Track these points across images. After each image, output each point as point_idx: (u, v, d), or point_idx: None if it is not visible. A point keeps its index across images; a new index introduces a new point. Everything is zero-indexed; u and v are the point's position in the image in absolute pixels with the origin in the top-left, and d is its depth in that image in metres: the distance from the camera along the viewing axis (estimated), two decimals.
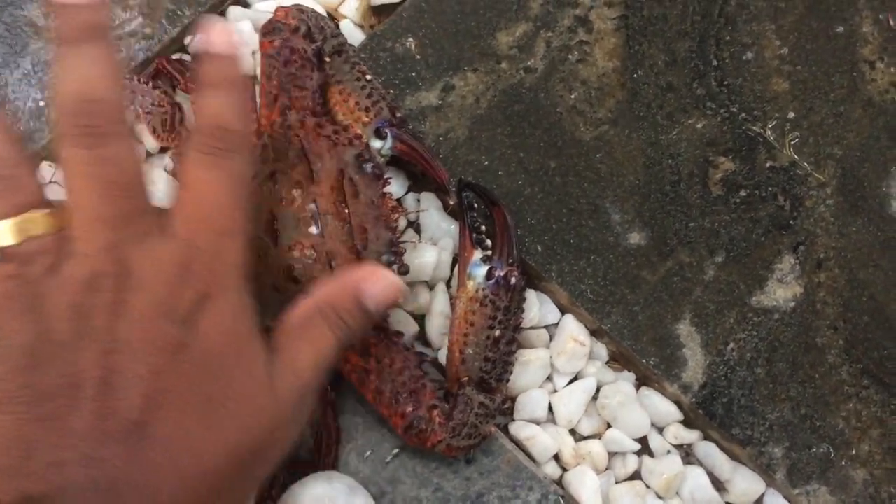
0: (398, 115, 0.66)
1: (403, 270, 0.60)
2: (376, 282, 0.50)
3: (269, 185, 0.59)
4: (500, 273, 0.62)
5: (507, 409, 0.66)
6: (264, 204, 0.58)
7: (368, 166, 0.60)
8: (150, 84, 0.68)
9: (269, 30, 0.64)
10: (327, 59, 0.65)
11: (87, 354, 0.39)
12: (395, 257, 0.60)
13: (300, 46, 0.63)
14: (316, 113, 0.63)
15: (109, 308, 0.40)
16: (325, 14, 0.71)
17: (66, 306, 0.40)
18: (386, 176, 0.61)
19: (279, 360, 0.46)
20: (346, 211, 0.58)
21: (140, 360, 0.40)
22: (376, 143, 0.65)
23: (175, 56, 0.71)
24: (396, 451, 0.62)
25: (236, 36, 0.48)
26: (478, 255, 0.64)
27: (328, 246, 0.57)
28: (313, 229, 0.58)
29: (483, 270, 0.63)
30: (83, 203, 0.42)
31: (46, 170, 0.67)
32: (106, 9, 0.44)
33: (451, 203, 0.67)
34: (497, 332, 0.61)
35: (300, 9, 0.65)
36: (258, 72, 0.69)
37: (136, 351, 0.40)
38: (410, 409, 0.58)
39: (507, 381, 0.63)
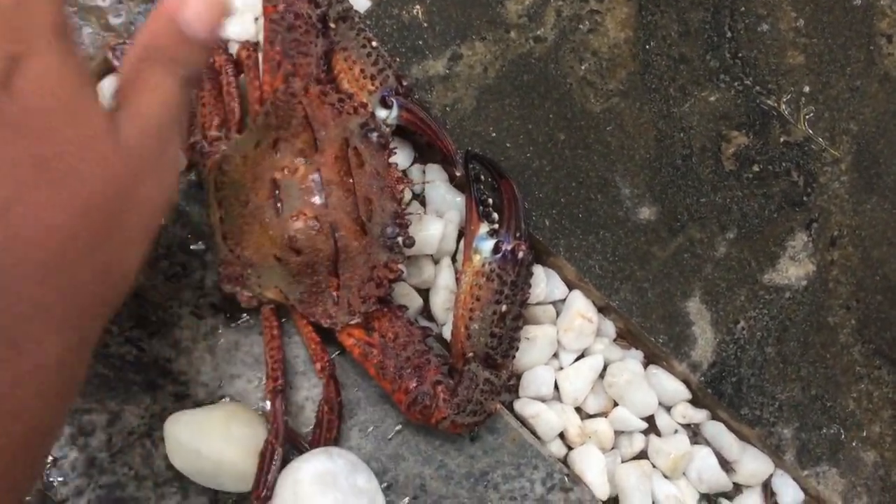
0: (404, 83, 0.64)
1: (409, 243, 0.59)
2: (191, 4, 0.44)
3: (272, 153, 0.57)
4: (507, 247, 0.61)
5: (512, 385, 0.65)
6: (266, 172, 0.57)
7: (374, 135, 0.58)
8: None
9: None
10: (332, 26, 0.63)
11: None
12: (399, 229, 0.58)
13: (304, 11, 0.61)
14: (320, 80, 0.61)
15: None
16: None
17: None
18: (391, 146, 0.60)
19: (121, 111, 0.43)
20: (351, 181, 0.57)
21: None
22: (382, 113, 0.63)
23: None
24: (399, 427, 0.61)
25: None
26: (484, 228, 0.62)
27: (332, 216, 0.56)
28: (317, 199, 0.56)
29: (490, 244, 0.61)
30: None
31: None
32: None
33: (458, 174, 0.65)
34: (503, 308, 0.59)
35: None
36: (261, 38, 0.67)
37: None
38: (414, 384, 0.57)
39: (514, 357, 0.61)
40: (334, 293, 0.58)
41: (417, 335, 0.59)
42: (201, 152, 0.61)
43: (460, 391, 0.57)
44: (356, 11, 0.66)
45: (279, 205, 0.56)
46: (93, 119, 0.41)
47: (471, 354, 0.59)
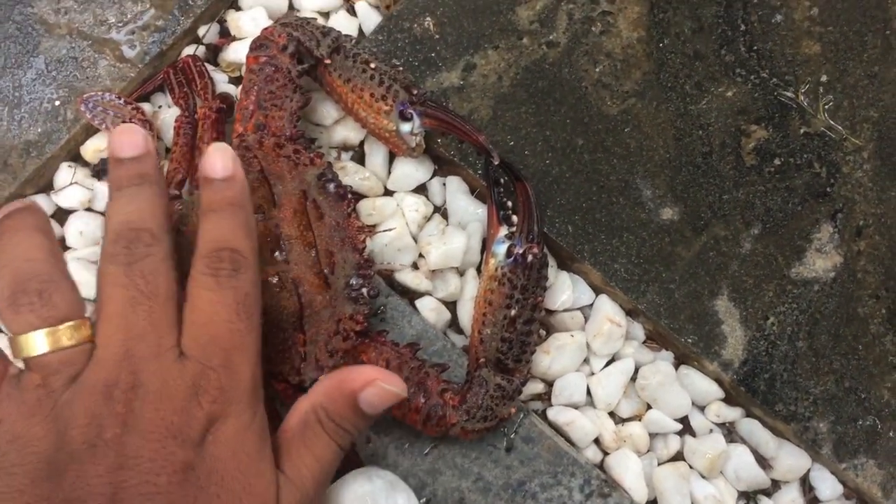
0: (415, 91, 0.63)
1: (373, 293, 0.58)
2: (373, 389, 0.48)
3: None
4: (518, 251, 0.60)
5: (517, 391, 0.63)
6: None
7: (332, 186, 0.58)
8: (124, 100, 0.66)
9: (256, 45, 0.62)
10: (328, 62, 0.63)
11: (98, 469, 0.40)
12: (363, 280, 0.57)
13: (285, 66, 0.62)
14: (292, 137, 0.61)
15: (121, 420, 0.41)
16: (312, 16, 0.69)
17: (82, 415, 0.41)
18: (350, 196, 0.59)
19: (284, 473, 0.46)
20: (311, 235, 0.56)
21: (147, 480, 0.40)
22: (405, 127, 0.63)
23: (190, 51, 0.70)
24: (434, 442, 0.61)
25: (236, 161, 0.48)
26: (503, 231, 0.62)
27: (294, 272, 0.55)
28: (278, 255, 0.55)
29: (504, 248, 0.61)
30: (110, 311, 0.43)
31: (66, 171, 0.66)
32: (151, 159, 0.47)
33: (496, 162, 0.63)
34: (513, 312, 0.59)
35: (289, 25, 0.63)
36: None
37: (144, 470, 0.40)
38: (422, 400, 0.57)
39: (528, 362, 0.61)
40: (301, 349, 0.56)
41: (407, 353, 0.59)
42: None
43: (469, 397, 0.57)
44: (346, 37, 0.65)
45: None
46: (263, 487, 0.44)
47: (483, 360, 0.59)
